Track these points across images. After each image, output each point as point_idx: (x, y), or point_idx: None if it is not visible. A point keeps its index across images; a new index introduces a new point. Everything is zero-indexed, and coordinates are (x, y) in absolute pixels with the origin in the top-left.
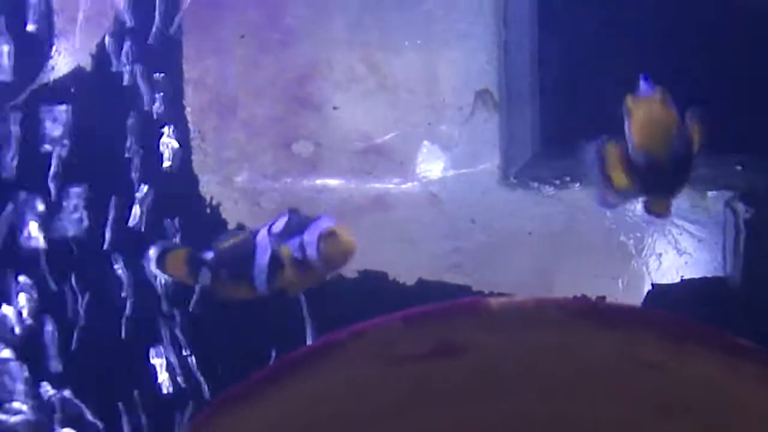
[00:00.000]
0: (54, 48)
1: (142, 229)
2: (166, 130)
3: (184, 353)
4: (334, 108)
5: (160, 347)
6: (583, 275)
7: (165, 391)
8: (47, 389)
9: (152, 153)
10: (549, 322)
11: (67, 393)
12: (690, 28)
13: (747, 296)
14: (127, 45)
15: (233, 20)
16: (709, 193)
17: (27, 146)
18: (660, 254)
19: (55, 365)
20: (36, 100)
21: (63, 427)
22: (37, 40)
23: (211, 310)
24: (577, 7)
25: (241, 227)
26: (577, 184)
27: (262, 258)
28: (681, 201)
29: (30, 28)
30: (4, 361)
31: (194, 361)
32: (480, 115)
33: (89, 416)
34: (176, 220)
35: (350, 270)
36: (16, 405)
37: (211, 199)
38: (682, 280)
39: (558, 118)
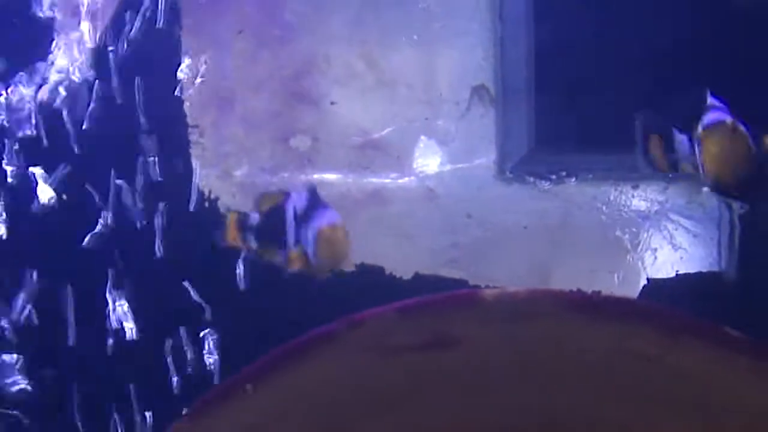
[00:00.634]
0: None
1: None
2: None
3: None
4: (332, 103)
5: None
6: (579, 270)
7: None
8: None
9: None
10: (543, 314)
11: None
12: (682, 23)
13: (742, 291)
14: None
15: (232, 15)
16: (705, 189)
17: None
18: (655, 249)
19: None
20: None
21: None
22: None
23: None
24: (573, 3)
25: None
26: (573, 179)
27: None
28: (676, 196)
29: None
30: None
31: None
32: (476, 111)
33: None
34: None
35: (346, 264)
36: None
37: (210, 192)
38: (677, 275)
39: (553, 114)
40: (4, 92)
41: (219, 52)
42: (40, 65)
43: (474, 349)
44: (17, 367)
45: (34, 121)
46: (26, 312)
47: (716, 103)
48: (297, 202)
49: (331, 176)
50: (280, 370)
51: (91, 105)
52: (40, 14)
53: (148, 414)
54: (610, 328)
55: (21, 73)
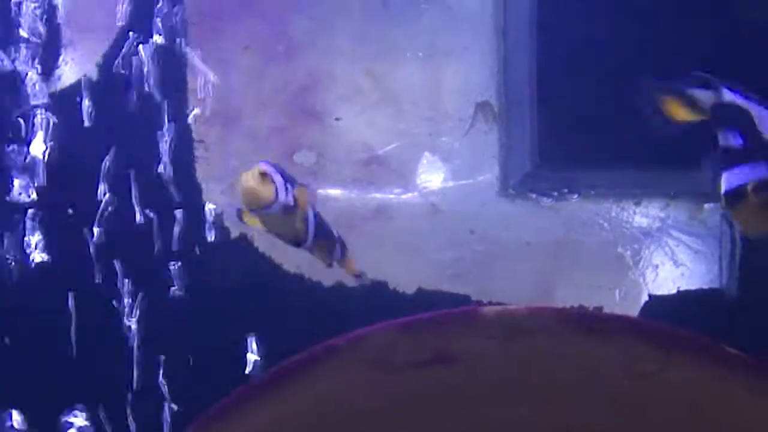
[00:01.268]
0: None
1: None
2: None
3: None
4: (337, 119)
5: None
6: (581, 286)
7: None
8: None
9: None
10: (542, 331)
11: None
12: (687, 39)
13: (743, 307)
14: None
15: (238, 32)
16: (706, 206)
17: None
18: (657, 266)
19: None
20: None
21: None
22: None
23: None
24: (576, 21)
25: (243, 236)
26: (575, 196)
27: None
28: (678, 213)
29: None
30: None
31: None
32: (480, 127)
33: None
34: None
35: (350, 279)
36: None
37: (215, 207)
38: (678, 291)
39: (556, 131)
40: None
41: (225, 68)
42: None
43: (474, 365)
44: None
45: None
46: None
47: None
48: None
49: (335, 191)
50: (281, 385)
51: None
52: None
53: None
54: (608, 344)
55: None
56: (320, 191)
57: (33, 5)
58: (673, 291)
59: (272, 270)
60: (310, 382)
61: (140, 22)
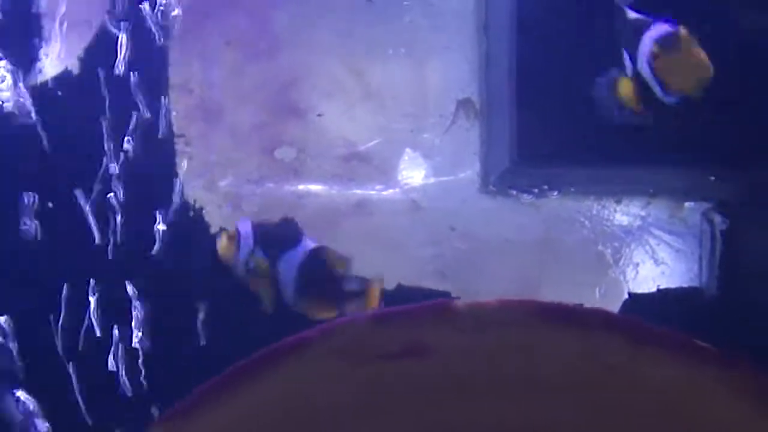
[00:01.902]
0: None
1: None
2: None
3: None
4: (318, 115)
5: None
6: (562, 283)
7: None
8: None
9: None
10: (513, 324)
11: None
12: None
13: (722, 306)
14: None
15: (220, 27)
16: (686, 204)
17: None
18: (637, 264)
19: None
20: None
21: None
22: None
23: None
24: (555, 18)
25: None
26: (555, 193)
27: None
28: (659, 212)
29: None
30: None
31: None
32: (461, 124)
33: None
34: None
35: None
36: None
37: (195, 202)
38: (658, 289)
39: (535, 128)
40: None
41: (207, 64)
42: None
43: (445, 358)
44: None
45: None
46: None
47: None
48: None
49: (316, 187)
50: (252, 377)
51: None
52: None
53: None
54: (579, 338)
55: None
56: (301, 187)
57: None
58: (654, 289)
59: None
60: (279, 374)
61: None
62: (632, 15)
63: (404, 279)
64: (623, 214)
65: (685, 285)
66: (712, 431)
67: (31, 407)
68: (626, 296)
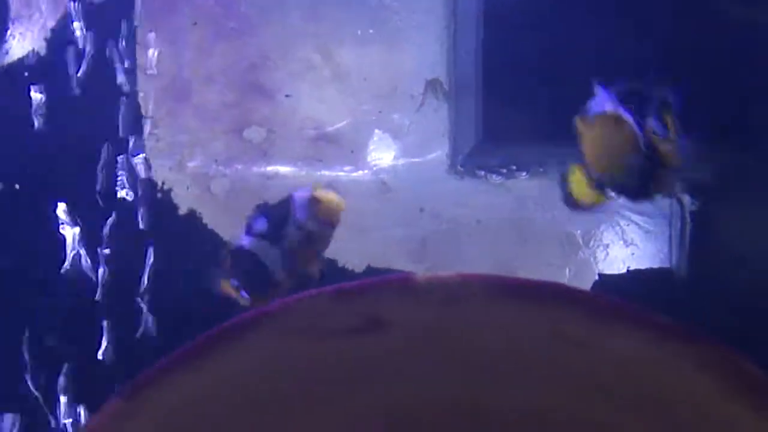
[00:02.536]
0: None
1: None
2: None
3: None
4: (287, 95)
5: None
6: (531, 264)
7: None
8: None
9: None
10: (474, 298)
11: None
12: (635, 15)
13: (692, 287)
14: None
15: (188, 7)
16: None
17: None
18: (607, 245)
19: None
20: None
21: None
22: None
23: None
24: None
25: (192, 213)
26: (524, 173)
27: None
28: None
29: None
30: None
31: None
32: (430, 105)
33: None
34: None
35: None
36: None
37: (163, 183)
38: (628, 270)
39: (502, 108)
40: None
41: (174, 44)
42: None
43: (405, 333)
44: None
45: None
46: None
47: (602, 91)
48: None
49: (285, 168)
50: (211, 352)
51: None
52: None
53: None
54: (540, 312)
55: None
56: (269, 168)
57: None
58: (623, 270)
59: (220, 246)
60: (236, 352)
61: None
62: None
63: (374, 260)
64: None
65: (655, 266)
66: (675, 406)
67: None
68: (596, 277)
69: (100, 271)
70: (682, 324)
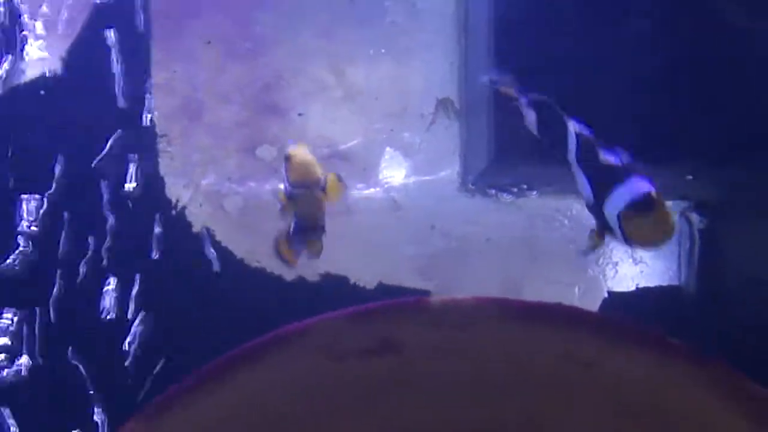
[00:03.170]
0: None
1: None
2: None
3: None
4: (299, 114)
5: None
6: (541, 282)
7: None
8: None
9: None
10: (487, 321)
11: None
12: (641, 45)
13: (700, 304)
14: None
15: (202, 27)
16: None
17: None
18: (617, 263)
19: None
20: None
21: None
22: None
23: None
24: (533, 19)
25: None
26: (534, 193)
27: None
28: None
29: None
30: None
31: None
32: (441, 123)
33: None
34: None
35: (312, 274)
36: None
37: (177, 201)
38: (637, 288)
39: (513, 127)
40: None
41: (189, 63)
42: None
43: (420, 355)
44: None
45: None
46: None
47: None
48: None
49: None
50: (230, 373)
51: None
52: None
53: None
54: (551, 334)
55: None
56: (281, 186)
57: None
58: (633, 288)
59: (234, 263)
60: (257, 372)
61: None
62: (606, 157)
63: (385, 277)
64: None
65: (663, 284)
66: (684, 427)
67: None
68: (606, 295)
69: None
70: (689, 345)
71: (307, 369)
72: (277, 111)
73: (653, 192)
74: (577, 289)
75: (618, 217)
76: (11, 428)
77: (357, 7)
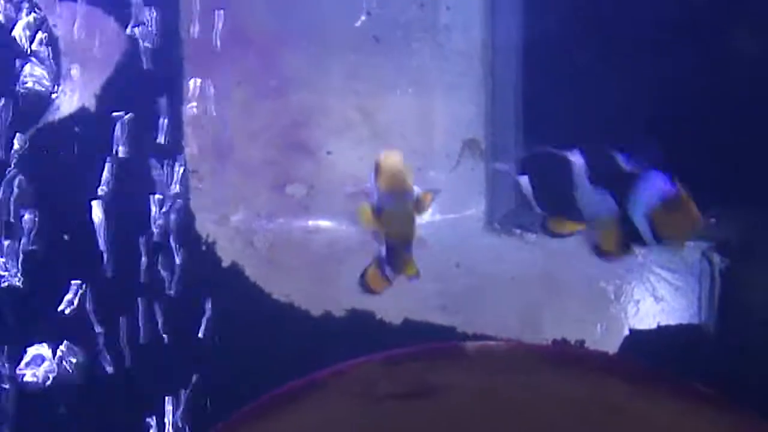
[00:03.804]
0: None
1: None
2: None
3: None
4: (328, 153)
5: None
6: (564, 319)
7: None
8: None
9: None
10: (520, 367)
11: None
12: (672, 87)
13: (720, 342)
14: None
15: (232, 67)
16: (686, 244)
17: None
18: (638, 301)
19: None
20: None
21: None
22: None
23: None
24: (561, 61)
25: (235, 265)
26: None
27: None
28: (659, 250)
29: None
30: None
31: None
32: (467, 163)
33: None
34: None
35: (338, 309)
36: None
37: (208, 236)
38: (658, 326)
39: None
40: None
41: (219, 102)
42: None
43: (455, 399)
44: None
45: None
46: None
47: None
48: None
49: (325, 223)
50: (266, 416)
51: None
52: None
53: None
54: (580, 379)
55: None
56: (311, 223)
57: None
58: (654, 326)
59: (262, 298)
60: (292, 416)
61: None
62: (623, 162)
63: (410, 313)
64: None
65: (684, 322)
66: None
67: None
68: (627, 332)
69: None
70: (717, 392)
71: (345, 411)
72: (306, 149)
73: (678, 186)
74: (599, 327)
75: (647, 216)
76: None
77: (383, 47)
